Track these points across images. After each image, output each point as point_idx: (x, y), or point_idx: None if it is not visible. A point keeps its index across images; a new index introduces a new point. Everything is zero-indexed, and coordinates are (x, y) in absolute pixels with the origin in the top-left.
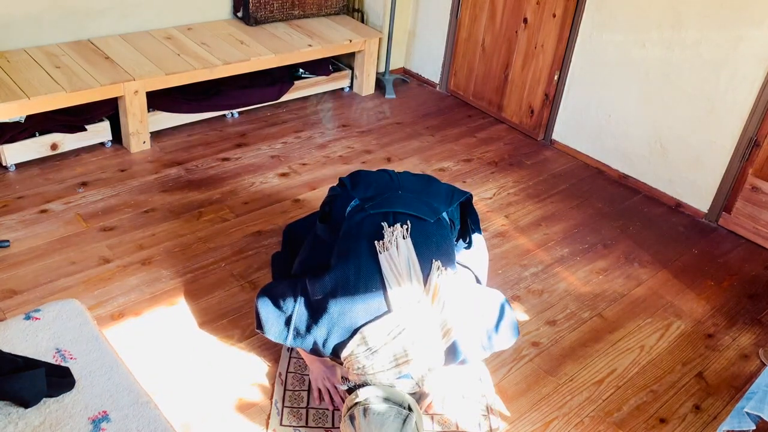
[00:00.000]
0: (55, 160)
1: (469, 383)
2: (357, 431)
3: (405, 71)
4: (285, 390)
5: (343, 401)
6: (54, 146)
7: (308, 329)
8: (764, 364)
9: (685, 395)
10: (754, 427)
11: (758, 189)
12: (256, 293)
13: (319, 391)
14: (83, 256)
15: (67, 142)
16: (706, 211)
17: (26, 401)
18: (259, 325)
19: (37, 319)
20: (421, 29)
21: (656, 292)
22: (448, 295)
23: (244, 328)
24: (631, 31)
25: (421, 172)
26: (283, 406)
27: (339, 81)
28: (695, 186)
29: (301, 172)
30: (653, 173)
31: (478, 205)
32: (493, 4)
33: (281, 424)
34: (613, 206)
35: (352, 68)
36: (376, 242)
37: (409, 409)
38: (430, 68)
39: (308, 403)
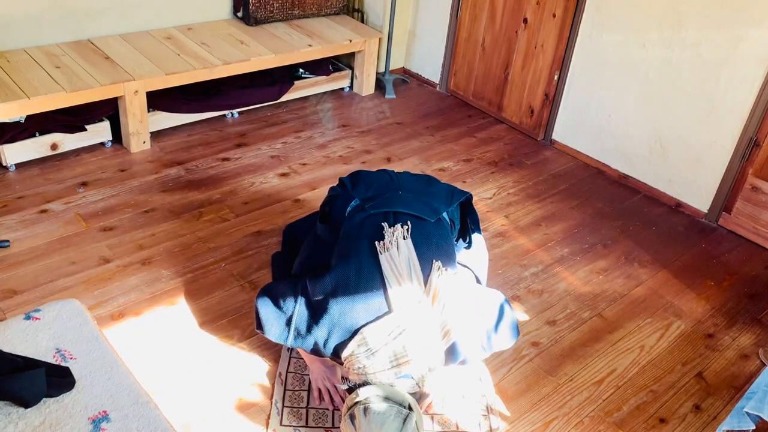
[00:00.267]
0: (55, 160)
1: (469, 383)
2: (357, 430)
3: (405, 71)
4: (285, 390)
5: (343, 401)
6: (54, 146)
7: (309, 329)
8: (764, 364)
9: (685, 395)
10: (754, 427)
11: (758, 189)
12: (256, 293)
13: (319, 391)
14: (83, 256)
15: (67, 142)
16: (706, 211)
17: (26, 401)
18: (259, 326)
19: (37, 319)
20: (421, 29)
21: (656, 292)
22: (448, 296)
23: (244, 328)
24: (631, 31)
25: (421, 172)
26: (283, 406)
27: (339, 81)
28: (695, 186)
29: (301, 172)
30: (653, 173)
31: (478, 205)
32: (493, 4)
33: (281, 424)
34: (613, 206)
35: (352, 68)
36: (376, 242)
37: (410, 408)
38: (430, 68)
39: (308, 403)
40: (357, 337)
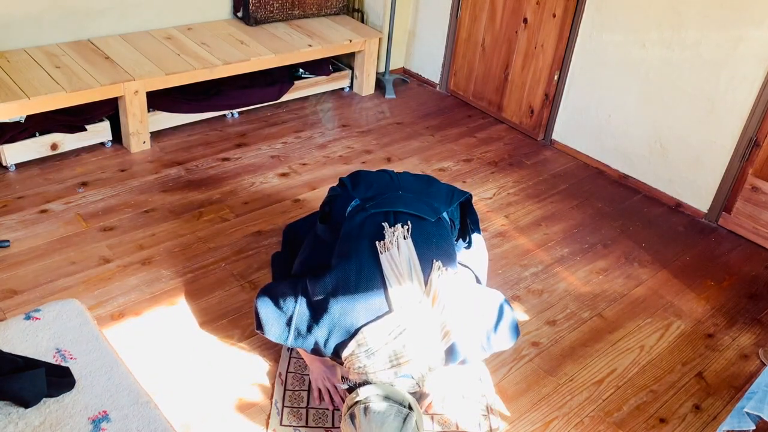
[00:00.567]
0: (55, 160)
1: (469, 383)
2: (357, 430)
3: (405, 71)
4: (285, 390)
5: (343, 401)
6: (54, 146)
7: (309, 329)
8: (764, 364)
9: (685, 395)
10: (754, 427)
11: (758, 189)
12: (256, 293)
13: (319, 390)
14: (83, 256)
15: (67, 142)
16: (706, 211)
17: (26, 401)
18: (259, 326)
19: (37, 319)
20: (421, 29)
21: (656, 292)
22: (448, 296)
23: (244, 328)
24: (631, 31)
25: (421, 172)
26: (283, 406)
27: (339, 81)
28: (695, 186)
29: (301, 172)
30: (653, 173)
31: (478, 205)
32: (493, 4)
33: (281, 424)
34: (613, 206)
35: (352, 68)
36: (377, 242)
37: (410, 407)
38: (430, 68)
39: (308, 403)
40: (357, 337)
